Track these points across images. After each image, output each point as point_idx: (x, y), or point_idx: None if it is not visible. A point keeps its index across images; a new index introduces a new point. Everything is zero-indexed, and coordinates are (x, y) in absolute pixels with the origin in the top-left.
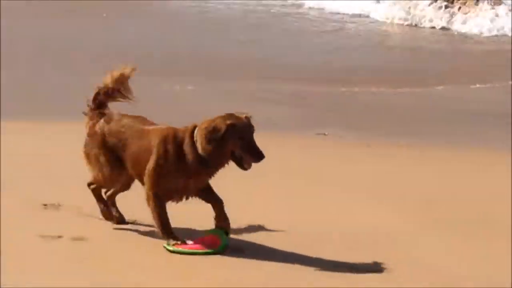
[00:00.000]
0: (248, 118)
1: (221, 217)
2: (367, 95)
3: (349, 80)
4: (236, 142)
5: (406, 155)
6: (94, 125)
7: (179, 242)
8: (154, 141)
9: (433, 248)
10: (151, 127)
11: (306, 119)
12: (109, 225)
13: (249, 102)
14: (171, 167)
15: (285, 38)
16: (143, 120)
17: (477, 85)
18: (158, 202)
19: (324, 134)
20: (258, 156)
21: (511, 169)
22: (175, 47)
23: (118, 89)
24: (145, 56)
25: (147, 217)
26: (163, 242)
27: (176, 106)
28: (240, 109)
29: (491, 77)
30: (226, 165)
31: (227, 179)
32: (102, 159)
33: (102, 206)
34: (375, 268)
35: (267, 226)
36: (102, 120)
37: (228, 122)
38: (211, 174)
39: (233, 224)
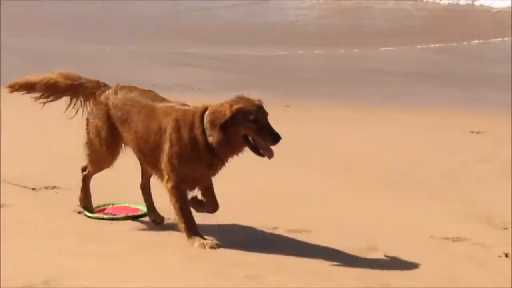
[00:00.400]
0: (259, 101)
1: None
2: (293, 58)
3: (276, 43)
4: (248, 126)
5: (325, 116)
6: (100, 94)
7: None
8: (165, 124)
9: (354, 208)
10: (160, 105)
11: (226, 82)
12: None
13: (172, 67)
14: (188, 154)
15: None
16: (153, 95)
17: (404, 47)
18: (180, 195)
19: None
20: (273, 138)
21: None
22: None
23: None
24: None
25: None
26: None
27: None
28: (162, 72)
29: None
30: (238, 153)
31: None
32: (102, 133)
33: (83, 195)
34: (295, 228)
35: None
36: (109, 90)
37: (235, 106)
38: (221, 163)
39: None
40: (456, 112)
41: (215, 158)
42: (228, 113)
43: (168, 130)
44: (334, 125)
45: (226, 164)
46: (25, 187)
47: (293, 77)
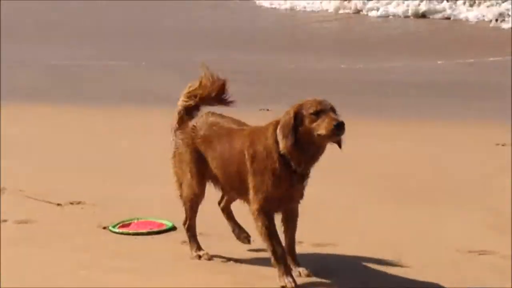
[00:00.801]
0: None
1: None
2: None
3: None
4: (311, 120)
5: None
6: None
7: None
8: (242, 144)
9: (379, 220)
10: (237, 127)
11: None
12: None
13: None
14: (264, 169)
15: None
16: (236, 121)
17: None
18: (266, 218)
19: (267, 110)
20: (335, 126)
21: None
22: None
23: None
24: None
25: None
26: (109, 224)
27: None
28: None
29: None
30: (314, 156)
31: None
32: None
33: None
34: (320, 242)
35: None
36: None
37: (296, 105)
38: (301, 177)
39: None
40: (482, 125)
41: (292, 172)
42: (291, 114)
43: (245, 149)
44: (355, 138)
45: (308, 177)
46: (50, 202)
47: (309, 88)
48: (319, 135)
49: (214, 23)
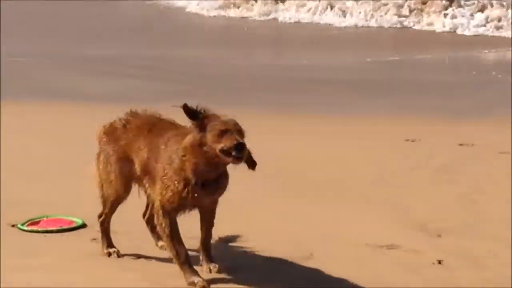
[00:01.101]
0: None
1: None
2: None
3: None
4: (215, 139)
5: (259, 124)
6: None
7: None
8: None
9: (289, 216)
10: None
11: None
12: None
13: (102, 76)
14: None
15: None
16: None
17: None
18: (167, 220)
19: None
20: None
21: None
22: None
23: None
24: None
25: None
26: None
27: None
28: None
29: None
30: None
31: None
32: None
33: None
34: (232, 237)
35: None
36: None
37: (201, 124)
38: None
39: None
40: (392, 121)
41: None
42: (196, 137)
43: (161, 152)
44: (266, 133)
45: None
46: None
47: (226, 85)
48: (219, 152)
49: (116, 20)
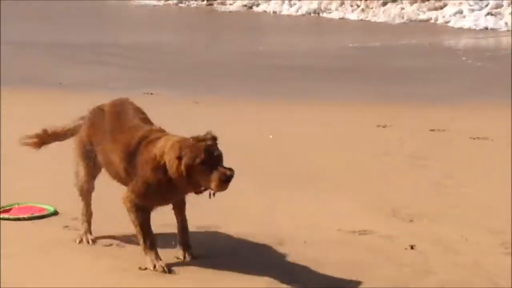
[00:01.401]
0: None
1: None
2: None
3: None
4: (199, 170)
5: (233, 112)
6: None
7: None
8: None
9: (261, 203)
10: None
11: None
12: None
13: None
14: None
15: None
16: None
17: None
18: (139, 213)
19: (151, 94)
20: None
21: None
22: None
23: None
24: None
25: None
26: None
27: None
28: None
29: None
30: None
31: None
32: None
33: None
34: (204, 224)
35: None
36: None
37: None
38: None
39: None
40: (363, 107)
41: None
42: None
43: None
44: (238, 120)
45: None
46: None
47: (201, 72)
48: (207, 188)
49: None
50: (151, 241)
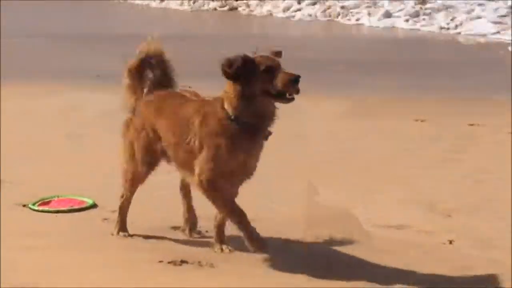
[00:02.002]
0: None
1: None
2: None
3: None
4: (263, 78)
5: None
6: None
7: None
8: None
9: (295, 195)
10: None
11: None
12: None
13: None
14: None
15: None
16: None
17: None
18: (217, 190)
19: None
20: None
21: None
22: None
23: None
24: None
25: None
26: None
27: None
28: None
29: None
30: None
31: None
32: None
33: None
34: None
35: None
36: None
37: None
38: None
39: None
40: (401, 101)
41: (245, 137)
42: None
43: (195, 118)
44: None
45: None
46: None
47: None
48: (275, 91)
49: None
50: (245, 220)
